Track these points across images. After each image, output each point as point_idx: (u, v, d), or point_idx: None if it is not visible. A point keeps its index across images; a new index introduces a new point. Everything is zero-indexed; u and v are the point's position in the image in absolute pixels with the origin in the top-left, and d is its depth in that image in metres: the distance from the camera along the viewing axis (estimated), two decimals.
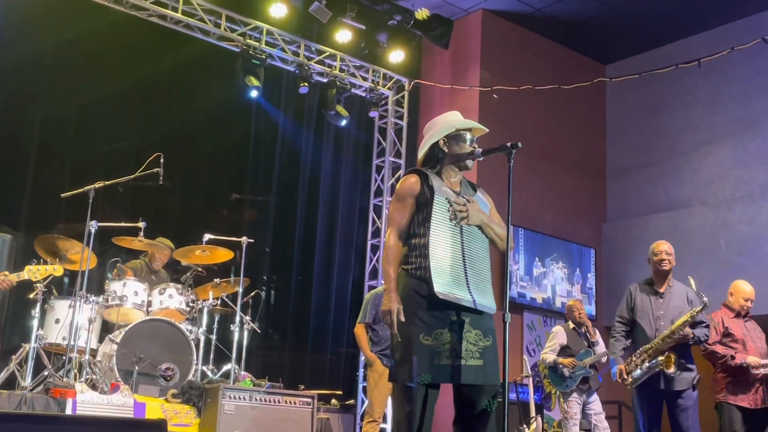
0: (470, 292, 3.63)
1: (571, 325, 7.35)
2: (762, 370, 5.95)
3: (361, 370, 8.96)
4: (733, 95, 9.98)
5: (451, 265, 3.63)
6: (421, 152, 3.91)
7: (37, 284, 6.06)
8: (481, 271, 3.72)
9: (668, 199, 10.40)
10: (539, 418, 7.59)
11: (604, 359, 7.16)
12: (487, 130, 3.93)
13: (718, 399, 6.07)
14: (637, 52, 10.88)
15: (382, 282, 6.84)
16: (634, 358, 5.53)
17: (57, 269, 5.98)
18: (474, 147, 3.82)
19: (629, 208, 10.82)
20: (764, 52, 8.88)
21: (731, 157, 9.95)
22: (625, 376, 5.52)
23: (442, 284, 3.57)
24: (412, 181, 3.75)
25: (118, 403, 5.48)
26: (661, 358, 5.42)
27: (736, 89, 9.95)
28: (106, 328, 6.57)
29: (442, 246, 3.64)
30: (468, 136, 3.84)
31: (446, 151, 3.83)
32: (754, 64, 9.62)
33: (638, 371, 5.48)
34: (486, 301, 3.68)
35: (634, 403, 5.63)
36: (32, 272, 5.84)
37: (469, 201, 3.76)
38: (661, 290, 5.69)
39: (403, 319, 3.55)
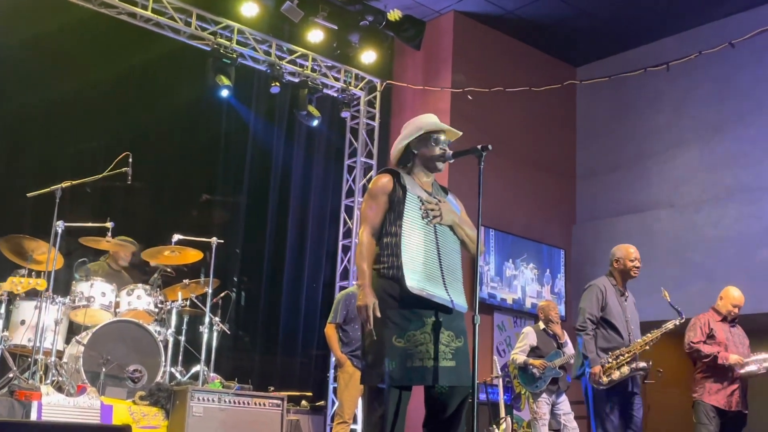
0: (446, 290, 3.63)
1: (541, 326, 7.41)
2: (746, 369, 6.03)
3: (332, 371, 8.94)
4: (701, 99, 10.11)
5: (424, 263, 3.62)
6: (393, 152, 3.92)
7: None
8: (454, 270, 3.73)
9: (637, 200, 10.50)
10: (509, 419, 7.63)
11: (573, 360, 7.23)
12: (460, 134, 3.92)
13: (695, 397, 6.19)
14: (607, 55, 10.98)
15: (354, 282, 6.86)
16: (612, 361, 5.48)
17: (41, 283, 5.85)
18: (444, 149, 3.83)
19: (598, 210, 10.92)
20: (731, 56, 9.01)
21: (699, 160, 10.07)
22: (602, 377, 5.46)
23: (415, 280, 3.56)
24: (385, 180, 3.76)
25: (85, 406, 5.41)
26: (642, 364, 5.47)
27: (704, 93, 10.08)
28: (73, 329, 6.48)
29: (414, 244, 3.63)
30: (441, 137, 3.84)
31: (416, 153, 3.84)
32: (721, 68, 9.75)
33: (618, 374, 5.45)
34: (460, 299, 3.68)
35: (600, 405, 5.52)
36: (14, 284, 5.73)
37: (440, 201, 3.77)
38: (625, 293, 5.76)
39: (378, 314, 3.54)
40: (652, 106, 10.56)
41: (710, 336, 6.16)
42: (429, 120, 3.91)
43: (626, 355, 5.48)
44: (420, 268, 3.60)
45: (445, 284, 3.63)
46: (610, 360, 5.48)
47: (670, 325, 5.64)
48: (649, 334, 5.56)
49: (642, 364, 5.47)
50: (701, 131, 10.08)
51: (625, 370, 5.45)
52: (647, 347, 5.54)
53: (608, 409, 5.49)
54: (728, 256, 9.28)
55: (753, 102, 9.64)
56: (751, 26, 8.62)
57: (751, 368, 6.06)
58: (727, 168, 9.75)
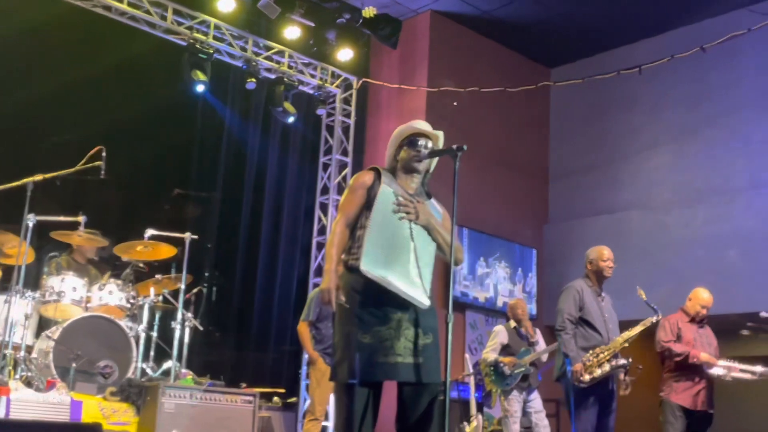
0: (408, 284, 3.60)
1: (512, 325, 7.46)
2: (714, 370, 6.12)
3: (304, 368, 8.94)
4: (673, 102, 10.24)
5: (388, 253, 3.61)
6: (386, 162, 3.95)
7: None
8: (424, 268, 3.69)
9: (609, 201, 10.61)
10: (480, 416, 7.67)
11: (544, 357, 7.31)
12: (440, 134, 3.89)
13: (662, 396, 6.26)
14: (581, 57, 11.08)
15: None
16: (593, 358, 5.53)
17: None
18: (420, 150, 3.83)
19: (571, 210, 11.01)
20: (703, 60, 9.12)
21: (670, 162, 10.20)
22: (583, 375, 5.51)
23: (370, 264, 3.55)
24: (367, 176, 3.78)
25: (54, 402, 5.36)
26: (623, 361, 5.53)
27: (676, 96, 10.21)
28: (43, 324, 6.43)
29: (380, 235, 3.63)
30: (420, 141, 3.85)
31: (398, 159, 3.86)
32: (693, 72, 9.88)
33: (599, 371, 5.49)
34: (418, 295, 3.63)
35: (580, 403, 5.57)
36: None
37: (419, 202, 3.78)
38: (602, 293, 5.83)
39: (343, 298, 3.54)
40: (625, 108, 10.67)
41: (678, 337, 6.25)
42: (406, 126, 3.92)
43: (606, 352, 5.53)
44: (381, 257, 3.59)
45: (409, 279, 3.62)
46: (591, 358, 5.53)
47: (648, 322, 5.71)
48: (628, 332, 5.63)
49: (622, 361, 5.53)
50: (673, 134, 10.21)
51: (606, 367, 5.50)
52: (626, 344, 5.61)
53: (588, 408, 5.55)
54: (698, 258, 9.41)
55: (724, 105, 9.78)
56: (723, 31, 8.75)
57: (719, 371, 6.15)
58: (698, 170, 9.89)
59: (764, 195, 9.19)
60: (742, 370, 6.13)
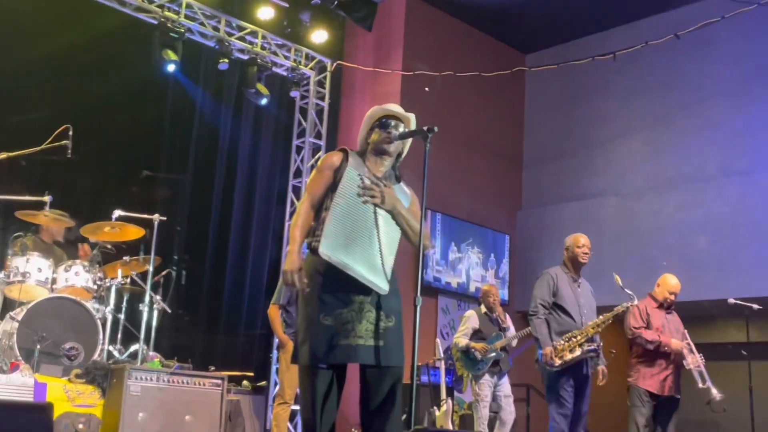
0: (367, 268, 3.56)
1: (483, 310, 7.48)
2: (686, 362, 6.18)
3: (275, 352, 8.90)
4: (647, 89, 10.28)
5: (348, 236, 3.57)
6: (358, 144, 3.89)
7: None
8: (384, 253, 3.63)
9: (582, 188, 10.65)
10: (450, 401, 7.69)
11: (514, 342, 7.35)
12: (411, 116, 3.83)
13: (630, 382, 6.32)
14: (557, 43, 11.09)
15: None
16: (564, 343, 5.57)
17: None
18: (390, 131, 3.78)
19: (544, 196, 11.04)
20: (677, 48, 9.15)
21: (642, 150, 10.26)
22: (554, 359, 5.55)
23: (329, 247, 3.52)
24: (335, 157, 3.73)
25: (18, 383, 5.28)
26: (593, 345, 5.57)
27: (649, 83, 10.25)
28: (7, 305, 6.30)
29: (343, 217, 3.59)
30: (391, 123, 3.79)
31: (368, 140, 3.81)
32: (667, 60, 9.91)
33: (570, 356, 5.54)
34: (377, 280, 3.59)
35: (555, 386, 5.61)
36: None
37: (385, 185, 3.73)
38: (579, 280, 5.87)
39: (305, 279, 3.51)
40: (600, 95, 10.70)
41: (647, 323, 6.29)
42: (378, 108, 3.86)
43: (579, 337, 5.58)
44: (342, 240, 3.55)
45: (370, 263, 3.57)
46: (563, 342, 5.57)
47: (620, 309, 5.78)
48: (600, 317, 5.68)
49: (593, 346, 5.58)
50: (646, 121, 10.26)
51: (577, 352, 5.55)
52: (599, 330, 5.66)
53: (564, 391, 5.59)
54: (667, 245, 9.49)
55: (696, 94, 9.83)
56: (697, 19, 8.76)
57: (685, 361, 6.22)
58: (668, 158, 9.95)
59: (735, 183, 9.27)
60: (700, 374, 6.20)
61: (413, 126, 3.85)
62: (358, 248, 3.58)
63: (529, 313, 5.81)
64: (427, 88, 9.63)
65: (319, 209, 3.68)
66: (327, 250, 3.52)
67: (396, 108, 3.86)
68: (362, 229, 3.61)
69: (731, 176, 9.32)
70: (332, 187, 3.66)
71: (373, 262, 3.59)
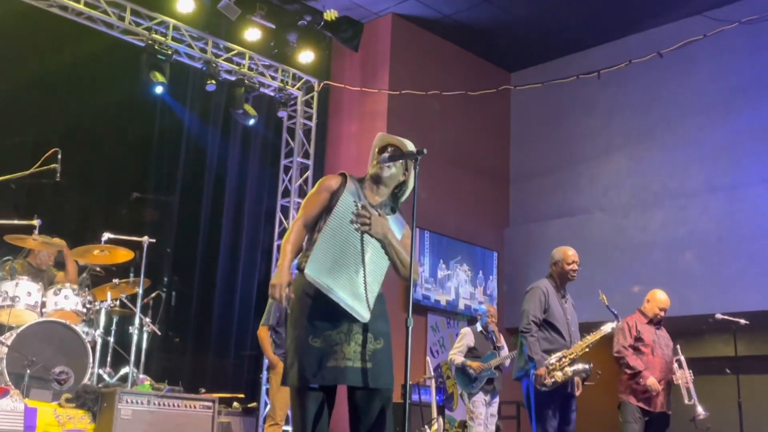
0: (350, 295, 3.56)
1: (479, 328, 7.53)
2: (675, 377, 6.23)
3: (265, 373, 8.88)
4: (630, 106, 10.39)
5: (335, 261, 3.57)
6: None
7: None
8: (371, 282, 3.63)
9: (568, 204, 10.72)
10: (440, 419, 7.70)
11: (507, 362, 7.39)
12: (408, 143, 3.81)
13: (621, 399, 6.32)
14: (541, 62, 11.20)
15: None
16: (555, 362, 5.53)
17: None
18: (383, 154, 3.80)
19: (531, 213, 11.11)
20: (660, 65, 9.28)
21: (627, 166, 10.34)
22: (547, 379, 5.50)
23: (316, 270, 3.53)
24: (334, 180, 3.76)
25: (8, 409, 5.25)
26: (584, 365, 5.56)
27: (633, 101, 10.36)
28: None
29: (332, 241, 3.60)
30: (387, 149, 3.81)
31: (370, 171, 3.83)
32: (649, 77, 10.03)
33: (561, 375, 5.49)
34: (361, 308, 3.58)
35: (541, 405, 5.57)
36: None
37: (379, 214, 3.73)
38: (566, 295, 5.87)
39: (292, 295, 3.53)
40: (584, 112, 10.80)
41: (638, 338, 6.31)
42: (379, 136, 3.89)
43: (568, 357, 5.55)
44: (329, 263, 3.56)
45: (353, 290, 3.57)
46: (554, 361, 5.54)
47: (607, 328, 5.76)
48: (588, 337, 5.64)
49: (584, 366, 5.57)
50: (630, 138, 10.36)
51: (568, 371, 5.51)
52: (587, 349, 5.64)
53: (550, 410, 5.56)
54: (653, 260, 9.55)
55: (679, 110, 9.94)
56: (679, 37, 8.90)
57: (674, 376, 6.28)
58: (654, 174, 10.04)
59: (719, 198, 9.36)
60: (688, 390, 6.26)
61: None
62: (344, 274, 3.58)
63: (520, 330, 5.70)
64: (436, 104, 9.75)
65: (312, 229, 3.70)
66: (313, 272, 3.53)
67: (394, 138, 3.87)
68: (350, 256, 3.61)
69: (716, 192, 9.42)
70: (327, 210, 3.68)
71: (356, 290, 3.58)
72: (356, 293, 3.58)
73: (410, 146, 3.80)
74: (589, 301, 6.27)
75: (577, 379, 5.69)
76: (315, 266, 3.54)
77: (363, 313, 3.58)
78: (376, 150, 3.84)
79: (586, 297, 6.32)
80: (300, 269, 3.64)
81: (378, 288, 3.69)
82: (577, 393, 5.72)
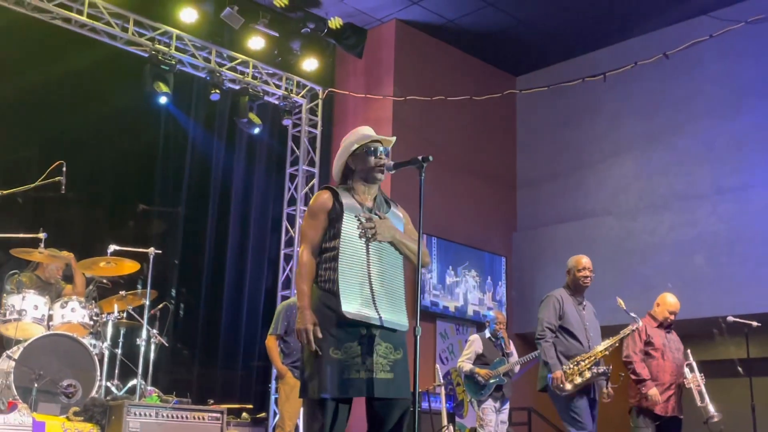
0: (377, 310, 3.59)
1: (488, 335, 7.48)
2: (687, 381, 6.18)
3: (273, 383, 8.84)
4: (637, 109, 10.32)
5: (359, 284, 3.60)
6: (334, 171, 3.90)
7: None
8: (391, 288, 3.68)
9: (576, 208, 10.66)
10: (451, 427, 7.65)
11: (516, 368, 7.35)
12: (393, 139, 3.87)
13: (632, 403, 6.27)
14: (547, 65, 11.15)
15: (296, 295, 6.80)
16: (573, 366, 5.53)
17: None
18: (381, 158, 3.78)
19: (539, 218, 11.05)
20: (666, 67, 9.23)
21: (635, 169, 10.28)
22: (564, 383, 5.51)
23: (351, 305, 3.55)
24: (325, 198, 3.72)
25: (16, 423, 5.23)
26: (603, 368, 5.53)
27: (640, 103, 10.30)
28: (3, 343, 6.26)
29: (350, 263, 3.61)
30: (380, 148, 3.80)
31: (354, 168, 3.80)
32: (656, 79, 9.97)
33: (579, 380, 5.50)
34: (395, 318, 3.64)
35: (570, 409, 5.55)
36: None
37: (380, 218, 3.73)
38: (583, 302, 5.87)
39: (320, 335, 3.51)
40: (590, 115, 10.75)
41: (648, 342, 6.27)
42: (361, 133, 3.85)
43: (587, 360, 5.55)
44: (356, 289, 3.58)
45: (375, 304, 3.59)
46: (571, 366, 5.53)
47: (627, 331, 5.80)
48: (607, 341, 5.67)
49: (603, 369, 5.55)
50: (637, 140, 10.30)
51: (587, 375, 5.51)
52: (607, 353, 5.65)
53: (579, 410, 5.54)
54: (663, 263, 9.48)
55: (687, 112, 9.88)
56: (685, 38, 8.86)
57: (685, 380, 6.22)
58: (662, 176, 9.97)
59: (727, 201, 9.29)
60: (700, 393, 6.20)
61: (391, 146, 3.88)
62: (370, 295, 3.61)
63: (536, 337, 5.76)
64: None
65: (320, 250, 3.68)
66: (351, 309, 3.53)
67: (372, 132, 3.87)
68: (364, 271, 3.63)
69: (724, 193, 9.35)
70: (329, 227, 3.67)
71: (388, 303, 3.64)
72: (387, 305, 3.63)
73: (393, 141, 3.85)
74: (598, 305, 6.21)
75: (609, 387, 5.68)
76: (350, 302, 3.54)
77: (404, 323, 3.66)
78: (360, 147, 3.77)
79: (596, 301, 6.26)
80: (319, 287, 3.63)
81: (403, 288, 3.74)
82: (608, 400, 5.68)
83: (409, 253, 3.76)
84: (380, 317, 3.58)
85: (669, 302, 6.43)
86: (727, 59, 9.59)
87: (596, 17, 9.97)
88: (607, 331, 5.88)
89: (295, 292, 4.27)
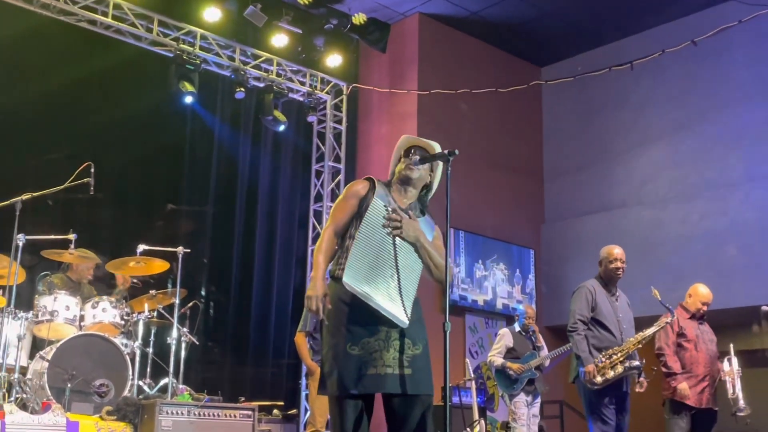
0: (375, 292, 3.52)
1: (518, 328, 7.45)
2: (723, 373, 6.12)
3: (304, 379, 8.86)
4: (665, 97, 10.18)
5: (371, 267, 3.54)
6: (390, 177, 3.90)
7: None
8: (406, 286, 3.60)
9: (604, 199, 10.56)
10: (482, 421, 7.62)
11: (547, 362, 7.31)
12: (435, 145, 3.79)
13: (666, 395, 6.20)
14: (572, 55, 11.03)
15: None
16: (605, 360, 5.47)
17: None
18: (411, 157, 3.76)
19: (567, 209, 10.95)
20: (694, 54, 9.08)
21: (664, 158, 10.15)
22: (596, 377, 5.46)
23: (353, 278, 3.49)
24: (361, 185, 3.72)
25: (50, 423, 5.29)
26: (636, 362, 5.47)
27: (667, 91, 10.16)
28: (36, 344, 6.33)
29: (367, 247, 3.57)
30: (412, 151, 3.77)
31: (393, 172, 3.81)
32: (684, 66, 9.83)
33: (612, 373, 5.44)
34: (394, 310, 3.54)
35: (596, 404, 5.50)
36: None
37: (410, 218, 3.70)
38: (616, 293, 5.79)
39: (329, 306, 3.48)
40: (617, 104, 10.63)
41: (680, 334, 6.20)
42: (404, 138, 3.86)
43: (619, 354, 5.48)
44: (364, 270, 3.52)
45: (390, 295, 3.54)
46: (603, 359, 5.47)
47: (662, 323, 5.75)
48: (639, 334, 5.60)
49: (635, 363, 5.49)
50: (666, 129, 10.16)
51: (619, 369, 5.45)
52: (640, 345, 5.57)
53: (604, 408, 5.49)
54: (695, 253, 9.35)
55: (715, 99, 9.73)
56: (713, 24, 8.70)
57: (721, 372, 6.13)
58: (691, 165, 9.84)
59: (760, 188, 9.14)
60: (732, 384, 6.12)
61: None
62: (380, 280, 3.55)
63: (568, 329, 5.68)
64: (464, 105, 9.67)
65: (343, 236, 3.66)
66: (350, 281, 3.49)
67: (421, 139, 3.84)
68: (384, 261, 3.58)
69: (755, 180, 9.20)
70: (357, 216, 3.64)
71: (394, 295, 3.55)
72: (394, 299, 3.55)
73: (437, 147, 3.77)
74: (631, 295, 6.14)
75: (643, 379, 5.60)
76: (352, 274, 3.51)
77: (402, 318, 3.55)
78: (402, 152, 3.81)
79: (628, 292, 6.19)
80: (333, 277, 3.61)
81: (414, 292, 3.66)
82: (642, 390, 5.60)
83: (430, 263, 3.68)
84: (377, 300, 3.50)
85: (701, 293, 6.34)
86: (757, 44, 9.43)
87: (621, 5, 9.85)
88: (639, 323, 5.81)
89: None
